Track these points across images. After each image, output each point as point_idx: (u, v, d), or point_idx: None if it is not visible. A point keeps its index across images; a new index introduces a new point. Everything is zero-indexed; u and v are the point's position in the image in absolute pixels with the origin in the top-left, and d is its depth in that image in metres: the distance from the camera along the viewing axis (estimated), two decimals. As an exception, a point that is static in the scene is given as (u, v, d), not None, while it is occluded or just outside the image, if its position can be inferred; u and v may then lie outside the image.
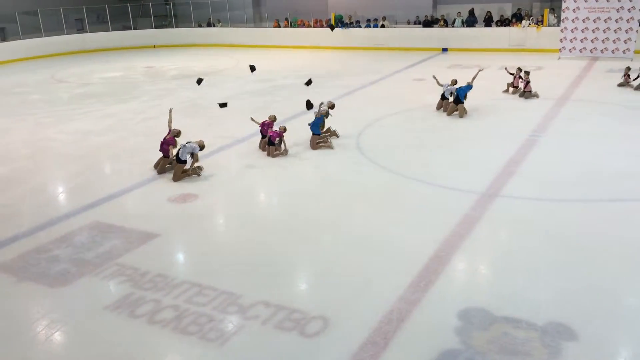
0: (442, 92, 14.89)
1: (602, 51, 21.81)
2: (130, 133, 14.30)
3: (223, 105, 12.00)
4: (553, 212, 8.83)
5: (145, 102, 17.95)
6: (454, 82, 14.74)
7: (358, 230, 8.49)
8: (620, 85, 16.97)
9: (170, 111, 11.62)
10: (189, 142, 10.82)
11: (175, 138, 11.17)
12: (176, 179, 10.74)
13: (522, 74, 16.45)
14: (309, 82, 11.43)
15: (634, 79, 16.68)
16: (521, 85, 16.38)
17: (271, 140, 11.63)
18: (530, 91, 16.01)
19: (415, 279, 6.99)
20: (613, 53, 21.62)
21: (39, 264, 7.83)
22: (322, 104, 12.38)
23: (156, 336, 6.16)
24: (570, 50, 22.29)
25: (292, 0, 31.82)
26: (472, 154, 11.71)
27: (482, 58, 23.30)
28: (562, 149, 11.73)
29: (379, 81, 19.84)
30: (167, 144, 11.13)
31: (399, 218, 8.92)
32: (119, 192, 10.40)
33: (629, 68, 17.25)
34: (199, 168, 10.98)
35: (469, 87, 14.36)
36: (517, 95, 16.33)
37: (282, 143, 11.77)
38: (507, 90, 16.81)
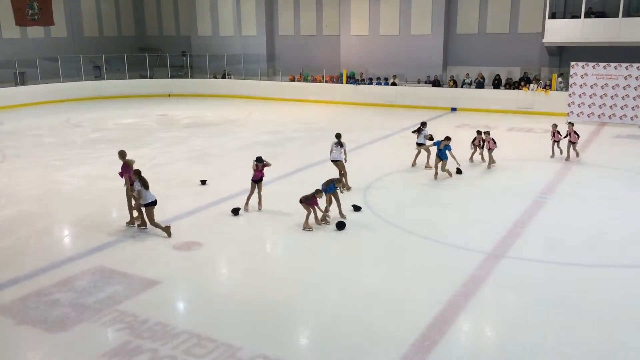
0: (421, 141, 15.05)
1: (609, 117, 22.03)
2: (140, 179, 14.38)
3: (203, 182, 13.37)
4: (559, 276, 8.70)
5: (157, 149, 18.17)
6: (424, 124, 14.91)
7: (362, 286, 8.38)
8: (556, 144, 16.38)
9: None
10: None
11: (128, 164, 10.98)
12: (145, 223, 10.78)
13: (483, 135, 15.37)
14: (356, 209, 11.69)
15: (564, 137, 16.04)
16: (483, 147, 15.51)
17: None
18: (490, 150, 15.23)
19: (419, 339, 6.85)
20: (621, 119, 21.82)
21: (39, 308, 7.75)
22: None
23: (151, 387, 6.03)
24: (578, 115, 22.52)
25: (306, 56, 32.62)
26: (479, 213, 11.67)
27: (491, 118, 23.56)
28: (569, 212, 11.68)
29: (388, 137, 20.02)
30: (124, 170, 10.96)
31: (404, 275, 8.82)
32: (124, 237, 10.40)
33: (555, 125, 16.56)
34: (167, 231, 10.46)
35: (446, 147, 13.96)
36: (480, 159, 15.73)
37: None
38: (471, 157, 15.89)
